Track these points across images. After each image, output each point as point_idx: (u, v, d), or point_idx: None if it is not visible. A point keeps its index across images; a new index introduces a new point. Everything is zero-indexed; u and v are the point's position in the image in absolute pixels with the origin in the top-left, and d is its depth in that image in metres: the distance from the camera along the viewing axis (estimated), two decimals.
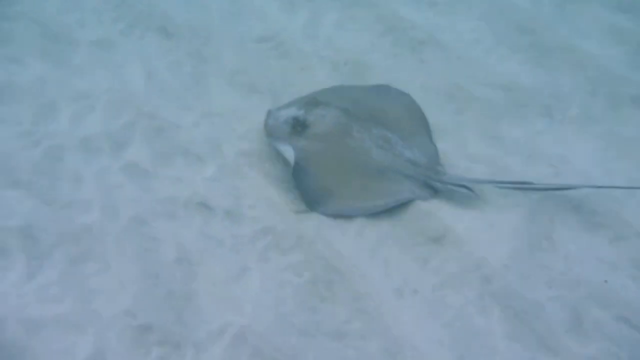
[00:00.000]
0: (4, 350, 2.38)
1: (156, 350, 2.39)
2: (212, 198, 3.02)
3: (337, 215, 2.99)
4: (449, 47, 3.77)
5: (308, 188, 3.08)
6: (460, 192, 3.00)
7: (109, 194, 3.00)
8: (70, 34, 3.81)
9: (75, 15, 3.94)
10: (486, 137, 3.26)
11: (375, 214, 2.94)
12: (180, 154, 3.23)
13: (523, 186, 2.92)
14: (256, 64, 3.78)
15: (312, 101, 3.37)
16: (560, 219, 2.88)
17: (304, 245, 2.81)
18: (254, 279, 2.68)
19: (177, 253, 2.79)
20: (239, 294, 2.61)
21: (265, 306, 2.56)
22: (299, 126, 3.23)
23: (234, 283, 2.66)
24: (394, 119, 3.37)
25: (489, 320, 2.50)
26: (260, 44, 3.89)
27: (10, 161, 3.07)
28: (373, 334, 2.46)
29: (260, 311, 2.54)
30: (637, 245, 2.77)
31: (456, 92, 3.49)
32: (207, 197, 3.02)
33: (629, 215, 2.88)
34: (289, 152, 3.08)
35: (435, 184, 3.09)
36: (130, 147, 3.23)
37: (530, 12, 3.98)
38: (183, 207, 2.98)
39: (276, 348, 2.41)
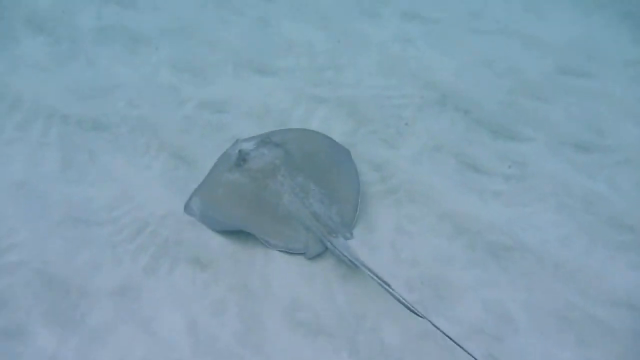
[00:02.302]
0: None
1: None
2: None
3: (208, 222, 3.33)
4: (537, 251, 3.23)
5: (197, 198, 3.46)
6: (342, 260, 3.13)
7: None
8: (82, 282, 3.08)
9: (85, 255, 3.22)
10: None
11: None
12: None
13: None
14: (319, 299, 3.13)
15: (265, 139, 3.64)
16: None
17: None
18: None
19: None
20: None
21: None
22: (241, 160, 3.49)
23: None
24: (332, 177, 3.55)
25: None
26: (312, 265, 3.28)
27: None
28: None
29: None
30: None
31: (571, 314, 2.90)
32: None
33: None
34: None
35: (327, 243, 3.20)
36: None
37: (612, 199, 3.52)
38: None
39: None
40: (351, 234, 3.33)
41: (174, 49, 4.96)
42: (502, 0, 5.33)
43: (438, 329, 2.70)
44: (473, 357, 2.63)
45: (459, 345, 2.65)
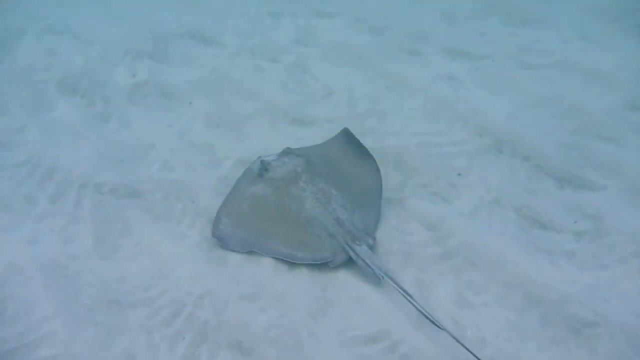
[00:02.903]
0: None
1: None
2: None
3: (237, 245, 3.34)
4: (627, 328, 2.77)
5: (222, 217, 3.46)
6: (365, 271, 3.11)
7: None
8: None
9: (119, 344, 2.91)
10: None
11: None
12: None
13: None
14: None
15: (287, 150, 3.70)
16: None
17: None
18: None
19: None
20: None
21: None
22: (263, 170, 3.54)
23: None
24: (354, 183, 3.56)
25: None
26: (366, 347, 2.94)
27: None
28: None
29: None
30: None
31: None
32: None
33: None
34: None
35: (350, 252, 3.18)
36: None
37: None
38: None
39: None
40: (374, 240, 3.31)
41: (208, 102, 4.80)
42: (554, 30, 4.97)
43: (458, 341, 2.69)
44: None
45: None
